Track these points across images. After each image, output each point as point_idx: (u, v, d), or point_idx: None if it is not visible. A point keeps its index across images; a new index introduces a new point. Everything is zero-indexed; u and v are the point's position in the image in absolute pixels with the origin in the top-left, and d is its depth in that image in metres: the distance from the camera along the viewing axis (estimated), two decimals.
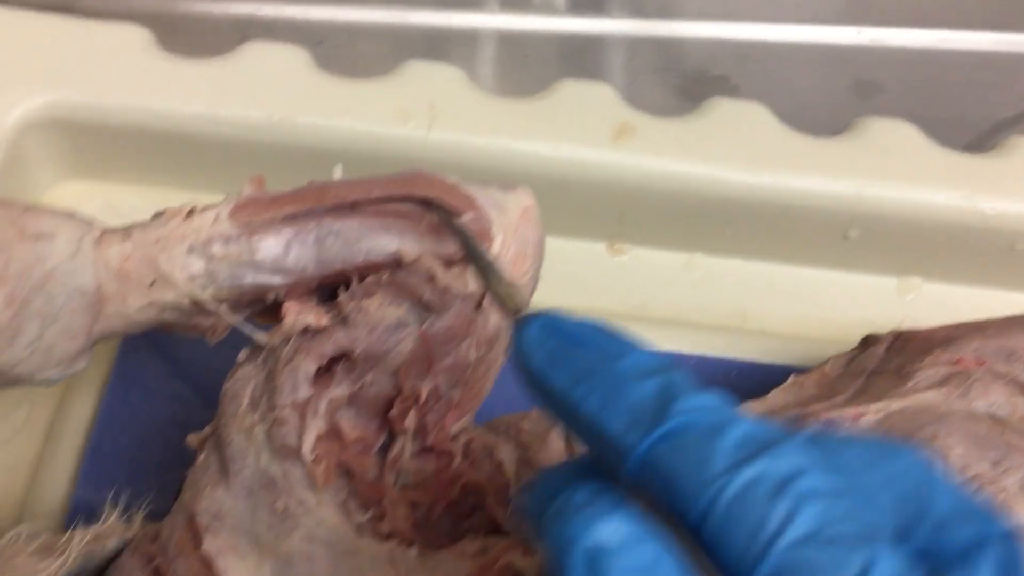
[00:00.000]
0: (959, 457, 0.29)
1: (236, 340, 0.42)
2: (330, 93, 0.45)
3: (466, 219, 0.30)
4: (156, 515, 0.33)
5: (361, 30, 0.57)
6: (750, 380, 0.43)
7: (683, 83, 0.57)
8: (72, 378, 0.41)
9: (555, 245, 0.38)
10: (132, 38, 0.45)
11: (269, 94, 0.44)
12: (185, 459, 0.39)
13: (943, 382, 0.32)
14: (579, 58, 0.58)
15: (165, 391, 0.40)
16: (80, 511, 0.36)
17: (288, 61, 0.46)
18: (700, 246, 0.49)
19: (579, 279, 0.48)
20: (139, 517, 0.32)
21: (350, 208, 0.29)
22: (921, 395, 0.32)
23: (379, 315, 0.29)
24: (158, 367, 0.41)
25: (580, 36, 0.59)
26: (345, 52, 0.56)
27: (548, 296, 0.34)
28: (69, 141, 0.45)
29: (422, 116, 0.45)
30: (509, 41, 0.58)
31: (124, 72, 0.44)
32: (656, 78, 0.58)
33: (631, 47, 0.58)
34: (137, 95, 0.44)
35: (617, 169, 0.45)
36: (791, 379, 0.37)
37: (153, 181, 0.46)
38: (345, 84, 0.46)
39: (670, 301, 0.48)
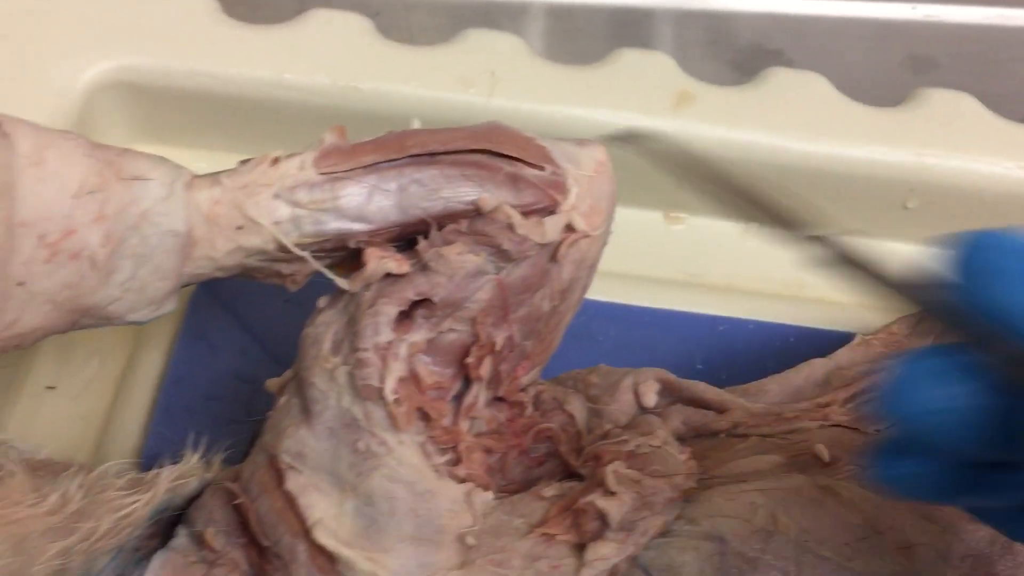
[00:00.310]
0: None
1: (302, 298, 0.43)
2: (393, 60, 0.46)
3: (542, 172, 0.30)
4: (229, 462, 0.34)
5: (416, 2, 0.57)
6: (809, 345, 0.43)
7: (737, 57, 0.57)
8: (142, 333, 0.42)
9: None
10: (198, 5, 0.46)
11: (333, 60, 0.45)
12: (252, 412, 0.40)
13: None
14: (629, 31, 0.58)
15: (232, 347, 0.41)
16: (151, 461, 0.37)
17: (351, 28, 0.46)
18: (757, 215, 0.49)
19: (637, 247, 0.48)
20: (218, 460, 0.32)
21: (429, 158, 0.30)
22: None
23: (458, 262, 0.29)
24: (226, 323, 0.42)
25: (630, 9, 0.59)
26: (401, 23, 0.56)
27: (606, 262, 0.35)
28: (137, 105, 0.46)
29: (483, 83, 0.46)
30: (559, 14, 0.59)
31: (192, 38, 0.45)
32: (708, 51, 0.58)
33: (681, 20, 0.58)
34: (204, 60, 0.45)
35: (677, 136, 0.46)
36: (857, 339, 0.37)
37: (218, 146, 0.47)
38: (407, 51, 0.46)
39: (727, 269, 0.48)
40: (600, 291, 0.42)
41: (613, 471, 0.28)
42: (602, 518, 0.27)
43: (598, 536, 0.27)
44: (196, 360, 0.41)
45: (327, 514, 0.28)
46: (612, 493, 0.28)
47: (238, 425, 0.37)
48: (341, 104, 0.45)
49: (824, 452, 0.30)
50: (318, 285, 0.33)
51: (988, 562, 0.27)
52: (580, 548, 0.28)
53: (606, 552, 0.27)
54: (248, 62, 0.45)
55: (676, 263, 0.48)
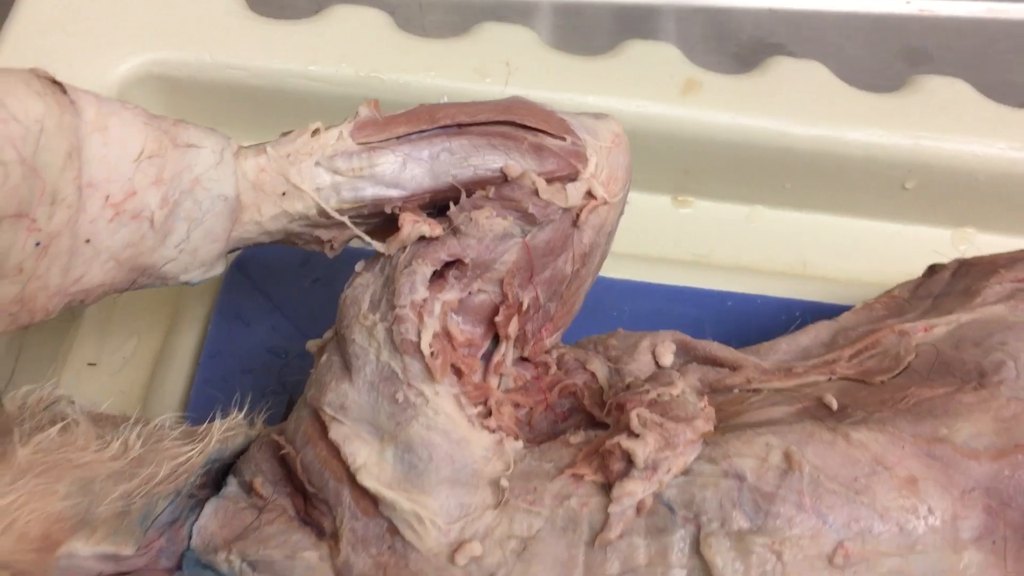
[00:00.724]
0: None
1: (329, 277, 0.45)
2: (412, 51, 0.48)
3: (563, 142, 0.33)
4: (269, 423, 0.35)
5: (430, 1, 0.60)
6: (814, 318, 0.45)
7: (739, 51, 0.59)
8: (178, 313, 0.44)
9: None
10: (224, 2, 0.48)
11: (356, 52, 0.47)
12: (285, 383, 0.42)
13: (1009, 296, 0.34)
14: (633, 27, 0.61)
15: (264, 324, 0.43)
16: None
17: (372, 23, 0.48)
18: (762, 199, 0.51)
19: (647, 229, 0.50)
20: (260, 420, 0.34)
21: (458, 129, 0.32)
22: (989, 308, 0.34)
23: (487, 225, 0.31)
24: (258, 302, 0.44)
25: (634, 6, 0.61)
26: (415, 21, 0.59)
27: (619, 244, 0.37)
28: (169, 97, 0.48)
29: (499, 73, 0.48)
30: (565, 12, 0.61)
31: (220, 33, 0.47)
32: (711, 46, 0.60)
33: (684, 16, 0.61)
34: (234, 53, 0.47)
35: (685, 123, 0.48)
36: (860, 304, 0.39)
37: (248, 136, 0.48)
38: (425, 43, 0.48)
39: (733, 250, 0.50)
40: (614, 270, 0.45)
41: (637, 414, 0.30)
42: (628, 458, 0.29)
43: (624, 475, 0.29)
44: (231, 336, 0.43)
45: (369, 460, 0.30)
46: (636, 435, 0.29)
47: (273, 396, 0.39)
48: (364, 94, 0.47)
49: (833, 401, 0.32)
50: (345, 268, 0.35)
51: (986, 494, 0.29)
52: (607, 487, 0.29)
53: (632, 489, 0.29)
54: (276, 55, 0.47)
55: (685, 244, 0.50)
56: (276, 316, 0.43)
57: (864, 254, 0.51)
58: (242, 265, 0.44)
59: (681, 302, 0.46)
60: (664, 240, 0.50)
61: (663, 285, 0.47)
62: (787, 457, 0.29)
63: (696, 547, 0.28)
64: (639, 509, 0.29)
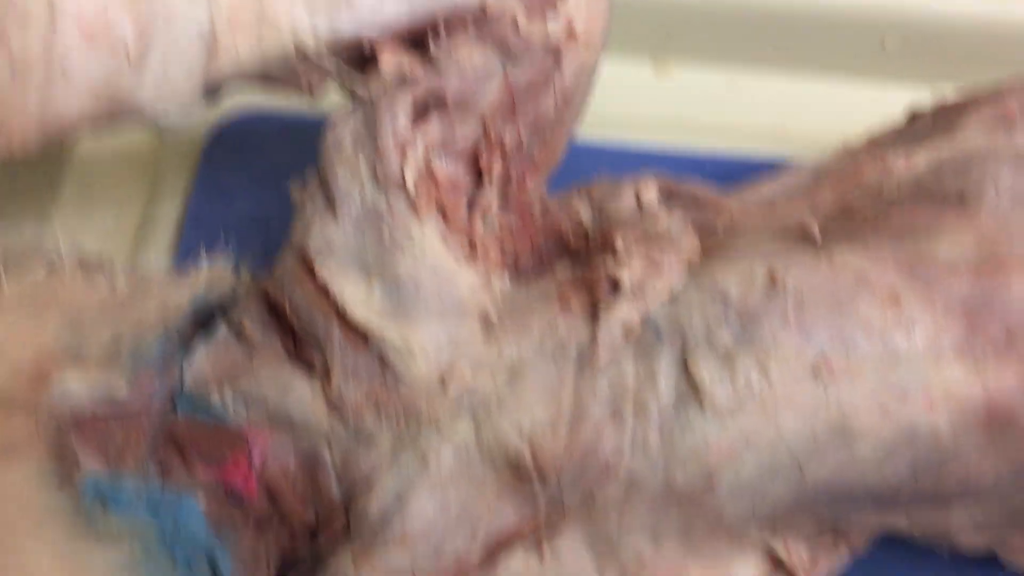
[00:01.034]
0: (1007, 179, 0.32)
1: (311, 143, 0.45)
2: None
3: None
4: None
5: None
6: None
7: None
8: (156, 183, 0.44)
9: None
10: None
11: None
12: (268, 253, 0.42)
13: (989, 127, 0.34)
14: None
15: (245, 193, 0.43)
16: None
17: None
18: (743, 60, 0.51)
19: (627, 95, 0.50)
20: (245, 271, 0.34)
21: None
22: (969, 139, 0.34)
23: (468, 61, 0.31)
24: (238, 173, 0.43)
25: None
26: None
27: (597, 111, 0.37)
28: None
29: None
30: None
31: None
32: None
33: None
34: None
35: None
36: (842, 147, 0.39)
37: None
38: None
39: (715, 117, 0.50)
40: (592, 137, 0.45)
41: (622, 239, 0.30)
42: (614, 283, 0.30)
43: (611, 299, 0.29)
44: (212, 207, 0.43)
45: (358, 296, 0.30)
46: (622, 261, 0.30)
47: (255, 263, 0.39)
48: None
49: (815, 227, 0.32)
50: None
51: (966, 308, 0.30)
52: (595, 314, 0.30)
53: (619, 312, 0.29)
54: None
55: (664, 110, 0.50)
56: (257, 186, 0.43)
57: (845, 115, 0.50)
58: (222, 135, 0.44)
59: (661, 166, 0.46)
60: (644, 106, 0.50)
61: (642, 151, 0.47)
62: (771, 277, 0.30)
63: (683, 365, 0.29)
64: (627, 334, 0.29)
